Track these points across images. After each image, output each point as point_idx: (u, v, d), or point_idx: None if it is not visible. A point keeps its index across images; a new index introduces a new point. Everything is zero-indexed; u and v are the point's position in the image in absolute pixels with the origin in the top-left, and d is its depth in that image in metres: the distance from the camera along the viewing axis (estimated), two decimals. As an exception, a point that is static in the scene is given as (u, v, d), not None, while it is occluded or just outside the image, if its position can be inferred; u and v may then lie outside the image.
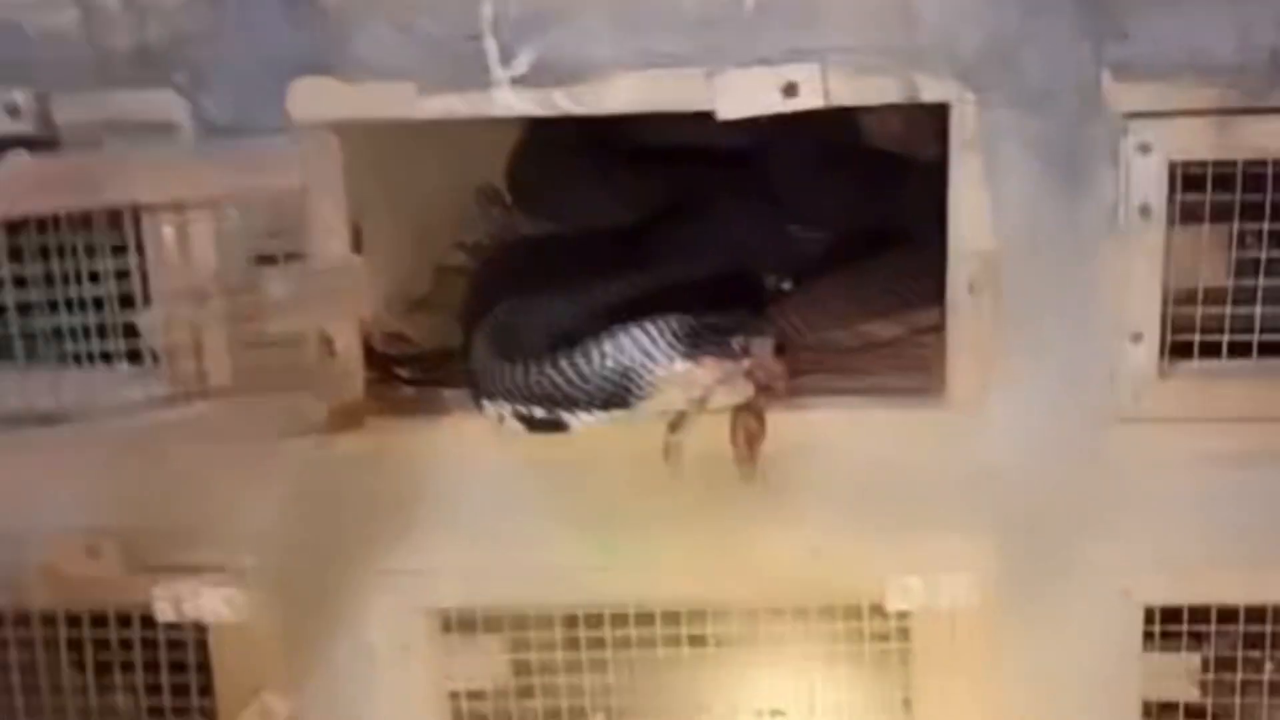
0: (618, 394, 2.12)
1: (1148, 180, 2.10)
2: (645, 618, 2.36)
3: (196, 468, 2.34)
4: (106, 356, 2.28)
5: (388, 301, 2.49)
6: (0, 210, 2.03)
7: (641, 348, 2.10)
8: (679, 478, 2.14)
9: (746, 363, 2.11)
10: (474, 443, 2.31)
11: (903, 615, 2.31)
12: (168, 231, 2.22)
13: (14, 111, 2.17)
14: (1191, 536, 2.24)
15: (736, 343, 2.11)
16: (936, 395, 2.24)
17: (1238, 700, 2.35)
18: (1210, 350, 2.20)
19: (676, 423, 2.12)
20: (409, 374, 2.45)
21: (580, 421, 2.16)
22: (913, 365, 2.33)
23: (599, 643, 2.43)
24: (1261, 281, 2.17)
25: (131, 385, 2.27)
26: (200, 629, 2.46)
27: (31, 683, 2.52)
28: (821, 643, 2.35)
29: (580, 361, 2.14)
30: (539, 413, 2.19)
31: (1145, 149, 2.08)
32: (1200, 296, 2.18)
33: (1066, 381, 2.20)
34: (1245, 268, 2.18)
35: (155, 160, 2.10)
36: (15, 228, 2.19)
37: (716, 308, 2.22)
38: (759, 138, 2.37)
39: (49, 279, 2.24)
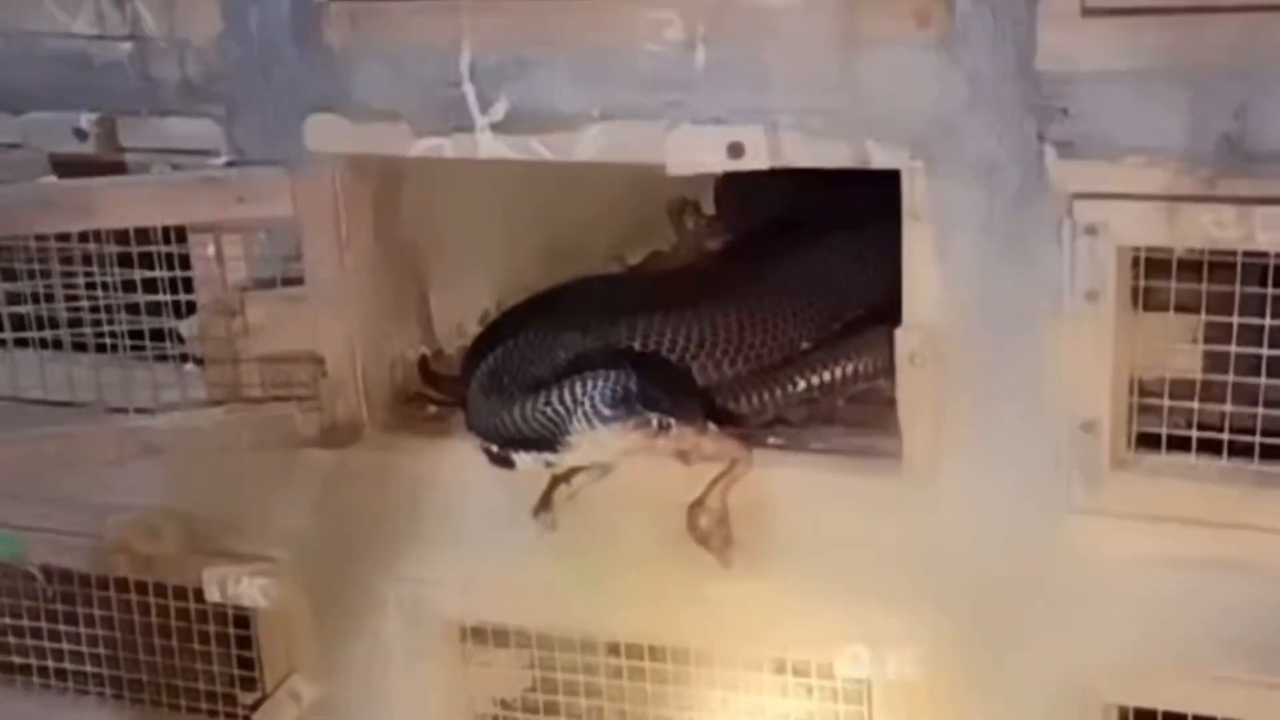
0: (548, 440, 2.19)
1: (1095, 264, 2.00)
2: (615, 648, 2.42)
3: (236, 466, 2.56)
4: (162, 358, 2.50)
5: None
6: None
7: (573, 400, 2.17)
8: (550, 530, 2.20)
9: (660, 440, 2.13)
10: (471, 463, 2.42)
11: (857, 680, 2.28)
12: (209, 250, 2.43)
13: (81, 134, 2.43)
14: (1147, 639, 2.12)
15: (656, 418, 2.13)
16: (892, 464, 2.20)
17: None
18: (1185, 445, 2.07)
19: (561, 478, 2.19)
20: (440, 396, 2.58)
21: (522, 462, 2.25)
22: (875, 421, 2.28)
23: (591, 668, 2.50)
24: (1231, 377, 2.02)
25: (170, 387, 2.49)
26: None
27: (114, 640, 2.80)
28: (775, 696, 2.34)
29: (529, 406, 2.23)
30: (494, 448, 2.29)
31: (1092, 231, 1.99)
32: (1166, 389, 2.06)
33: (1017, 466, 2.13)
34: (1219, 361, 2.04)
35: (164, 185, 2.30)
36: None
37: (670, 376, 2.24)
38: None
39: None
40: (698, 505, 2.22)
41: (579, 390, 2.16)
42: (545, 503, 2.25)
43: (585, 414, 2.14)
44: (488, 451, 2.30)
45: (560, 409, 2.16)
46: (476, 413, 2.32)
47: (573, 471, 2.23)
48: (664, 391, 2.17)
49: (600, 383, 2.16)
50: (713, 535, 2.22)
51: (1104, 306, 2.01)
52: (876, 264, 2.24)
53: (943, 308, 2.10)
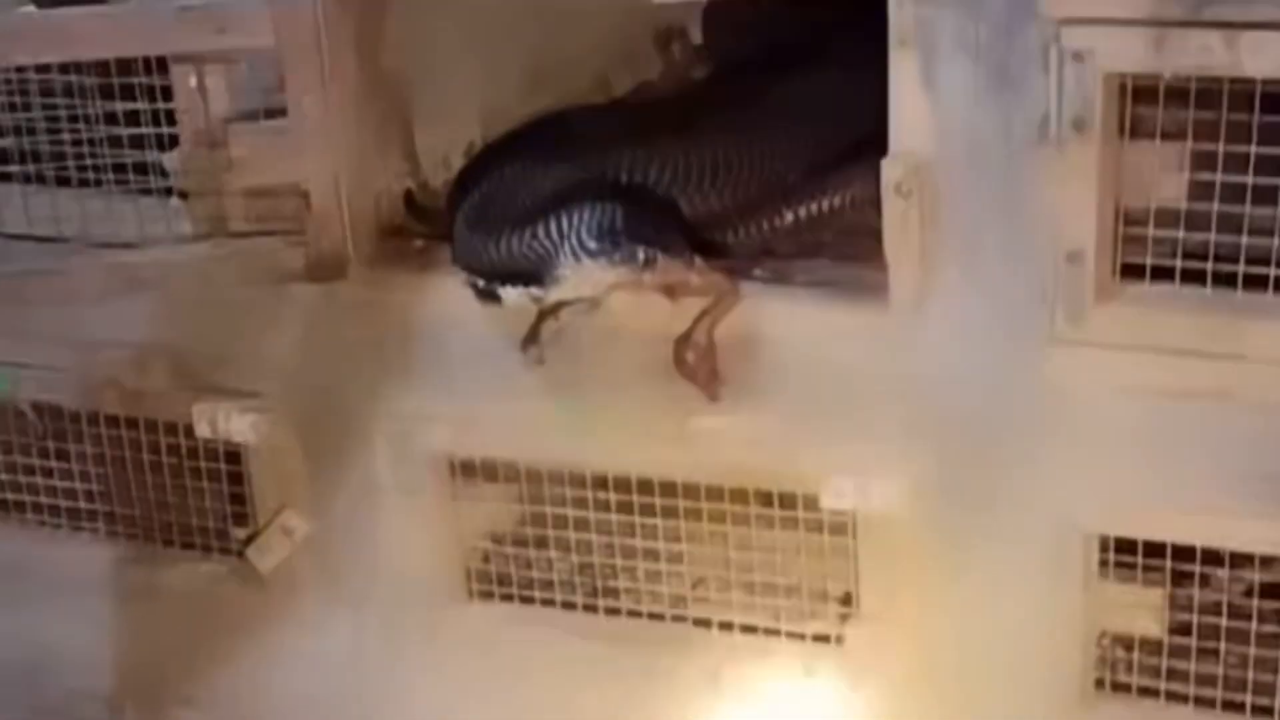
0: (534, 274, 2.19)
1: (1082, 91, 1.98)
2: (603, 481, 2.43)
3: (225, 301, 2.56)
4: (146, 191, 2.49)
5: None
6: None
7: (560, 233, 2.16)
8: (538, 364, 2.20)
9: (647, 274, 2.12)
10: (458, 298, 2.42)
11: (841, 512, 2.30)
12: (191, 81, 2.40)
13: (59, -35, 2.39)
14: (1130, 470, 2.13)
15: (642, 252, 2.12)
16: (878, 296, 2.19)
17: (1194, 642, 2.22)
18: (1167, 275, 2.07)
19: (548, 313, 2.18)
20: (426, 229, 2.57)
21: (508, 296, 2.24)
22: (861, 254, 2.27)
23: (581, 502, 2.52)
24: (1217, 206, 2.01)
25: (156, 221, 2.48)
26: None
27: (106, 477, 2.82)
28: (762, 528, 2.36)
29: (516, 239, 2.22)
30: (481, 283, 2.28)
31: (1079, 57, 1.96)
32: (1152, 217, 2.05)
33: (1003, 297, 2.13)
34: (1203, 190, 2.02)
35: (142, 16, 2.26)
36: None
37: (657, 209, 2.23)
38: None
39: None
40: (684, 340, 2.22)
41: (565, 224, 2.15)
42: (532, 337, 2.25)
43: (572, 248, 2.13)
44: (474, 286, 2.30)
45: (547, 242, 2.16)
46: (463, 247, 2.31)
47: (560, 305, 2.23)
48: (650, 225, 2.16)
49: (587, 216, 2.15)
50: (699, 370, 2.23)
51: (1091, 134, 1.99)
52: (864, 93, 2.21)
53: (929, 137, 2.08)
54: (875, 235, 2.23)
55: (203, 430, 2.62)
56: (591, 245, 2.12)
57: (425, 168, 2.66)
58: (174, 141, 2.43)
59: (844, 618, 2.38)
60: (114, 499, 2.86)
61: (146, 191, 2.49)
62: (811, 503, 2.30)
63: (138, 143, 2.45)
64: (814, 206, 2.41)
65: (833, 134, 2.43)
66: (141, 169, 2.49)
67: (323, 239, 2.38)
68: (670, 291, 2.17)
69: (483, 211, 2.33)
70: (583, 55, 2.83)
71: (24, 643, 2.91)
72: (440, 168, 2.67)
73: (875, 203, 2.20)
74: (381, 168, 2.54)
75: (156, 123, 2.40)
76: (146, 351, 2.65)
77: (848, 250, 2.34)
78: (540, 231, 2.17)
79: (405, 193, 2.61)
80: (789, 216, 2.41)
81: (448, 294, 2.44)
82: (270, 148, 2.33)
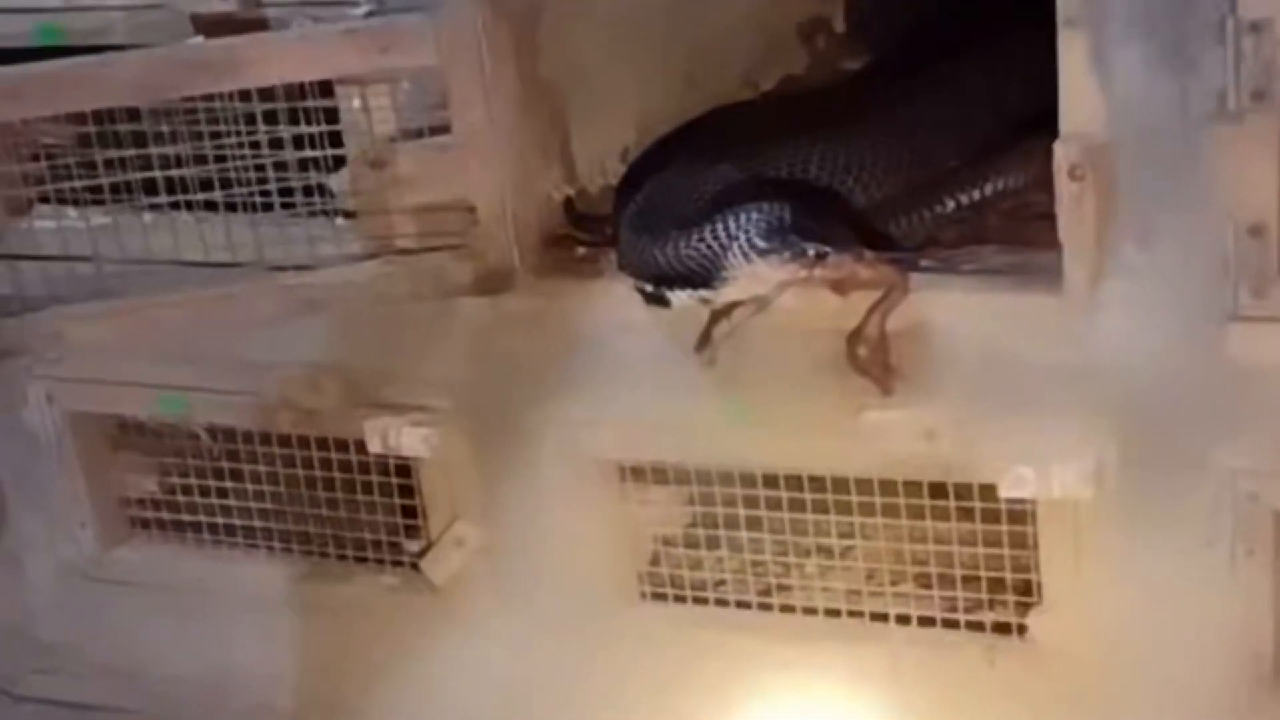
0: (703, 276, 2.20)
1: (1260, 61, 1.96)
2: (773, 480, 2.44)
3: (394, 318, 2.60)
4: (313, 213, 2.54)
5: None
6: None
7: (728, 234, 2.17)
8: (711, 366, 2.20)
9: (817, 270, 2.13)
10: (624, 303, 2.44)
11: (1022, 501, 2.28)
12: (355, 102, 2.45)
13: (223, -6, 2.45)
14: (1318, 445, 2.10)
15: (812, 248, 2.13)
16: (1050, 281, 2.18)
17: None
18: (1352, 247, 2.04)
19: (720, 314, 2.19)
20: (588, 237, 2.60)
21: (677, 299, 2.26)
22: (1028, 238, 2.26)
23: (751, 501, 2.53)
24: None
25: (326, 242, 2.53)
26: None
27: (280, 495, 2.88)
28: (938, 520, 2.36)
29: (682, 242, 2.23)
30: (649, 287, 2.30)
31: (1256, 28, 1.95)
32: (1335, 188, 2.02)
33: (1181, 275, 2.11)
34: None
35: (308, 40, 2.31)
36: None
37: (822, 204, 2.23)
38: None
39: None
40: (856, 335, 2.22)
41: (733, 224, 2.16)
42: (705, 339, 2.26)
43: (740, 248, 2.15)
44: (642, 291, 2.32)
45: (714, 244, 2.17)
46: (629, 252, 2.34)
47: (731, 306, 2.24)
48: (818, 220, 2.16)
49: (754, 215, 2.16)
50: (872, 363, 2.22)
51: (1271, 105, 1.97)
52: (1024, 76, 2.20)
53: (1101, 117, 2.07)
54: (1042, 219, 2.22)
55: (375, 446, 2.66)
56: (761, 244, 2.13)
57: (583, 175, 2.69)
58: (340, 163, 2.47)
59: (1025, 607, 2.36)
60: (288, 517, 2.90)
61: (316, 214, 2.53)
62: (989, 493, 2.29)
63: (306, 166, 2.49)
64: (977, 192, 2.40)
65: (993, 118, 2.42)
66: (310, 191, 2.53)
67: (490, 251, 2.41)
68: (839, 286, 2.18)
69: (647, 216, 2.35)
70: (729, 52, 2.84)
71: (204, 660, 2.97)
72: (597, 174, 2.69)
73: (1041, 185, 2.19)
74: (543, 178, 2.57)
75: (324, 145, 2.44)
76: (319, 371, 2.70)
77: (1014, 236, 2.33)
78: (707, 233, 2.18)
79: (565, 201, 2.64)
80: (951, 204, 2.41)
81: (614, 300, 2.46)
82: (435, 164, 2.37)
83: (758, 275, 2.16)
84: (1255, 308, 2.06)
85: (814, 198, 2.28)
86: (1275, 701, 2.23)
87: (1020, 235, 2.33)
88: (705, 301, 2.24)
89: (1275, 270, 2.04)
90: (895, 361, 2.24)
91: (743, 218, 2.16)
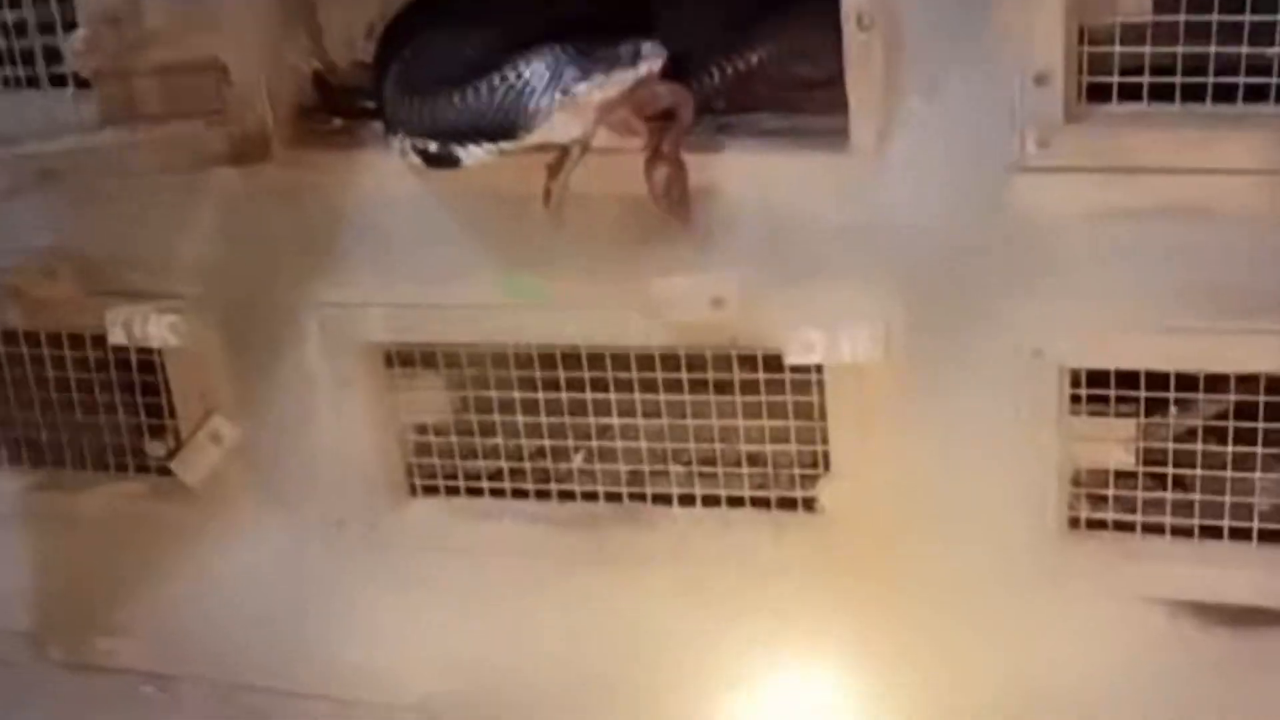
0: (505, 125, 2.08)
1: (1046, -94, 1.92)
2: (548, 359, 2.34)
3: (136, 196, 2.41)
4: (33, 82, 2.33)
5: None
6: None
7: (531, 75, 2.05)
8: (559, 224, 2.10)
9: (641, 68, 2.02)
10: (389, 176, 2.30)
11: (807, 369, 2.23)
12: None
13: None
14: (1103, 296, 2.10)
15: (625, 50, 2.03)
16: (835, 141, 2.13)
17: (1169, 470, 2.20)
18: (1134, 94, 2.03)
19: (556, 165, 2.09)
20: (342, 111, 2.44)
21: (470, 155, 2.14)
22: (796, 107, 2.22)
23: (528, 383, 2.43)
24: (1184, 17, 1.97)
25: (60, 110, 2.32)
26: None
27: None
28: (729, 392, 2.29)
29: (470, 93, 2.11)
30: (433, 147, 2.17)
31: None
32: (1118, 33, 2.01)
33: (968, 126, 2.07)
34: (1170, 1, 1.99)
35: None
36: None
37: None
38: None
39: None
40: (654, 157, 2.11)
41: (536, 63, 2.05)
42: (548, 195, 2.12)
43: (548, 86, 2.03)
44: (423, 153, 2.18)
45: (516, 85, 2.05)
46: (406, 113, 2.19)
47: (561, 157, 2.11)
48: (623, 41, 2.07)
49: (555, 51, 2.05)
50: (670, 189, 2.12)
51: (1058, -50, 1.94)
52: None
53: (885, -38, 2.01)
54: (811, 87, 2.17)
55: (117, 337, 2.47)
56: (572, 72, 2.02)
57: (331, 50, 2.53)
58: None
59: (813, 480, 2.32)
60: (16, 424, 2.69)
61: (56, 80, 2.32)
62: (774, 364, 2.23)
63: (46, 29, 2.28)
64: (742, 62, 2.33)
65: None
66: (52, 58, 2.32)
67: (246, 116, 2.24)
68: (641, 108, 2.07)
69: (418, 75, 2.21)
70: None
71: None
72: (344, 48, 2.53)
73: (805, 54, 2.13)
74: (292, 46, 2.40)
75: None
76: (53, 256, 2.49)
77: (785, 104, 2.27)
78: (510, 74, 2.06)
79: (314, 74, 2.48)
80: (716, 73, 2.33)
81: (377, 173, 2.34)
82: (183, 19, 2.18)
83: (572, 111, 2.04)
84: (1041, 157, 2.04)
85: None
86: (1061, 557, 2.24)
87: (790, 103, 2.27)
88: (504, 153, 2.11)
89: (1061, 119, 2.02)
90: (691, 191, 2.15)
91: (542, 58, 2.05)
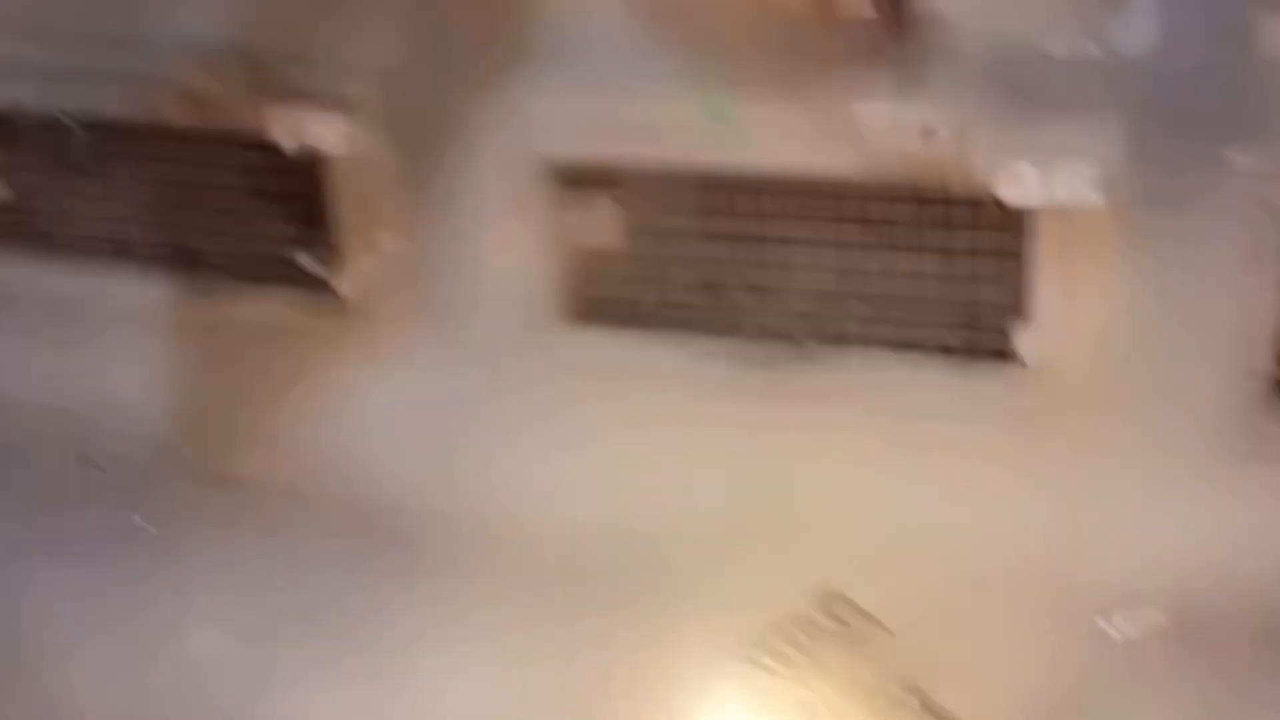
0: None
1: None
2: (745, 185, 2.23)
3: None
4: None
5: None
6: None
7: None
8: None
9: None
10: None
11: (1013, 212, 2.11)
12: None
13: None
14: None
15: None
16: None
17: None
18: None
19: None
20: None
21: None
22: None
23: (710, 212, 2.32)
24: None
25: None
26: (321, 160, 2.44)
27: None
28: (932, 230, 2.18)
29: None
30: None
31: None
32: None
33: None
34: None
35: None
36: None
37: None
38: None
39: None
40: None
41: None
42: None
43: None
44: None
45: None
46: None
47: None
48: None
49: None
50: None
51: None
52: None
53: None
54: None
55: (281, 140, 2.36)
56: None
57: None
58: None
59: (1008, 332, 2.21)
60: (168, 227, 2.59)
61: None
62: (979, 203, 2.11)
63: None
64: None
65: None
66: None
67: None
68: None
69: None
70: None
71: (76, 386, 2.67)
72: None
73: None
74: None
75: None
76: (217, 51, 2.37)
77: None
78: None
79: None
80: None
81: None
82: None
83: None
84: (1297, -1, 1.89)
85: None
86: (1269, 420, 2.13)
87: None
88: None
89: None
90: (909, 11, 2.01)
91: None
